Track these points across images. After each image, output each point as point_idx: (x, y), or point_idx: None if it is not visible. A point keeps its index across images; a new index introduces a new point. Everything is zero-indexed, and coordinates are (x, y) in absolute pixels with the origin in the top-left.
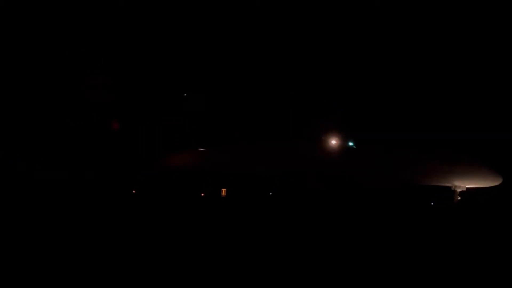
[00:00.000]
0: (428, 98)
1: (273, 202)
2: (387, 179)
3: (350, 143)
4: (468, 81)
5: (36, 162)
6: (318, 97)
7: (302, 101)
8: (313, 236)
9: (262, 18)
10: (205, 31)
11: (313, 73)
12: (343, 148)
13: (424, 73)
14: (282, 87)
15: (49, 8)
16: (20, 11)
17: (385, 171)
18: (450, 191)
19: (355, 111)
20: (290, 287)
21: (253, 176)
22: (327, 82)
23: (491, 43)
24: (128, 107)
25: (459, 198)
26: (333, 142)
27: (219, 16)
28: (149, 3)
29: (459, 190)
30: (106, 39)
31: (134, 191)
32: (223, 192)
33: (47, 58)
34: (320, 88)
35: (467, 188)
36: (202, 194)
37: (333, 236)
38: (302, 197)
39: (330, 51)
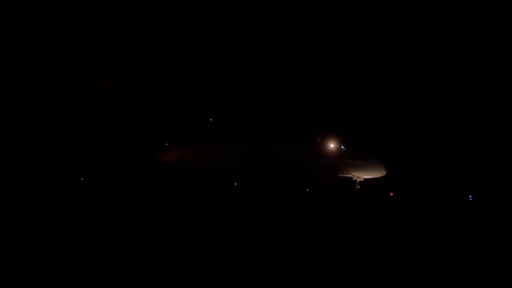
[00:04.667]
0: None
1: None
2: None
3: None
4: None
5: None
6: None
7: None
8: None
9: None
10: (202, 33)
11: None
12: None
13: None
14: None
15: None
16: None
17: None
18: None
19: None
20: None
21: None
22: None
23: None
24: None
25: (358, 186)
26: (331, 145)
27: (217, 18)
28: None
29: (358, 180)
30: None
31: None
32: None
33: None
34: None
35: (365, 179)
36: None
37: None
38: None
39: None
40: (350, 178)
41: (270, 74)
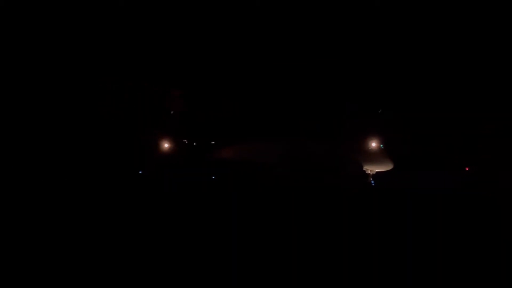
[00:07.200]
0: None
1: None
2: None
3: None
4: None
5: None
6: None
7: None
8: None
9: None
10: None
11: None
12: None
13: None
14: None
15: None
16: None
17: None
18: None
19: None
20: None
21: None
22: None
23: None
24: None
25: (371, 179)
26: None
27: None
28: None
29: (371, 173)
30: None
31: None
32: None
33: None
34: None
35: (377, 172)
36: None
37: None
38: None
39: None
40: (364, 171)
41: (301, 74)
